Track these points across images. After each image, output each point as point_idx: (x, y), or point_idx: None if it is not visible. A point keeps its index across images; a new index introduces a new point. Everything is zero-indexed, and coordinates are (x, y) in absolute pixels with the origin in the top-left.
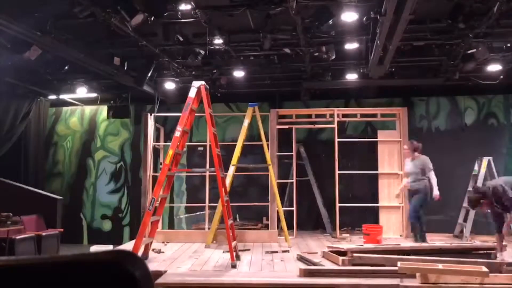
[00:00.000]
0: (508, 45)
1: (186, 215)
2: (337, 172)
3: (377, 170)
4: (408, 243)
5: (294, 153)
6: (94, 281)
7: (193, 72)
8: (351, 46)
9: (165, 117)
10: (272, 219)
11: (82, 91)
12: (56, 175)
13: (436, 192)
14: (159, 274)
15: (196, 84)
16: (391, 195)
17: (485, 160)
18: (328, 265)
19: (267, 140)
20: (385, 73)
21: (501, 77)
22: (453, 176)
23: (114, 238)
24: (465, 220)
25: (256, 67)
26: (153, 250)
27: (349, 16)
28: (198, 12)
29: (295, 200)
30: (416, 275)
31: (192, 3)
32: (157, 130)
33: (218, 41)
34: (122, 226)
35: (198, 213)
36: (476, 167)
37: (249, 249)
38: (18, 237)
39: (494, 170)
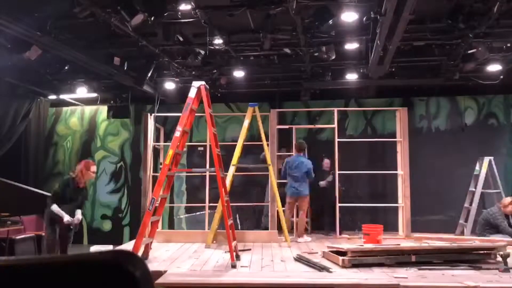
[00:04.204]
0: (508, 45)
1: (186, 215)
2: (337, 172)
3: (376, 170)
4: (408, 243)
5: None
6: (94, 281)
7: (193, 72)
8: (351, 46)
9: (165, 117)
10: (272, 219)
11: (82, 91)
12: (56, 175)
13: None
14: (159, 274)
15: (196, 84)
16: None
17: (486, 160)
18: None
19: (267, 140)
20: (385, 73)
21: (501, 77)
22: (453, 176)
23: (114, 238)
24: (466, 220)
25: (256, 67)
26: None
27: (349, 16)
28: (198, 12)
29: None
30: None
31: (192, 3)
32: (157, 130)
33: (218, 41)
34: (122, 226)
35: (198, 213)
36: (477, 167)
37: (249, 249)
38: (18, 237)
39: (495, 170)
